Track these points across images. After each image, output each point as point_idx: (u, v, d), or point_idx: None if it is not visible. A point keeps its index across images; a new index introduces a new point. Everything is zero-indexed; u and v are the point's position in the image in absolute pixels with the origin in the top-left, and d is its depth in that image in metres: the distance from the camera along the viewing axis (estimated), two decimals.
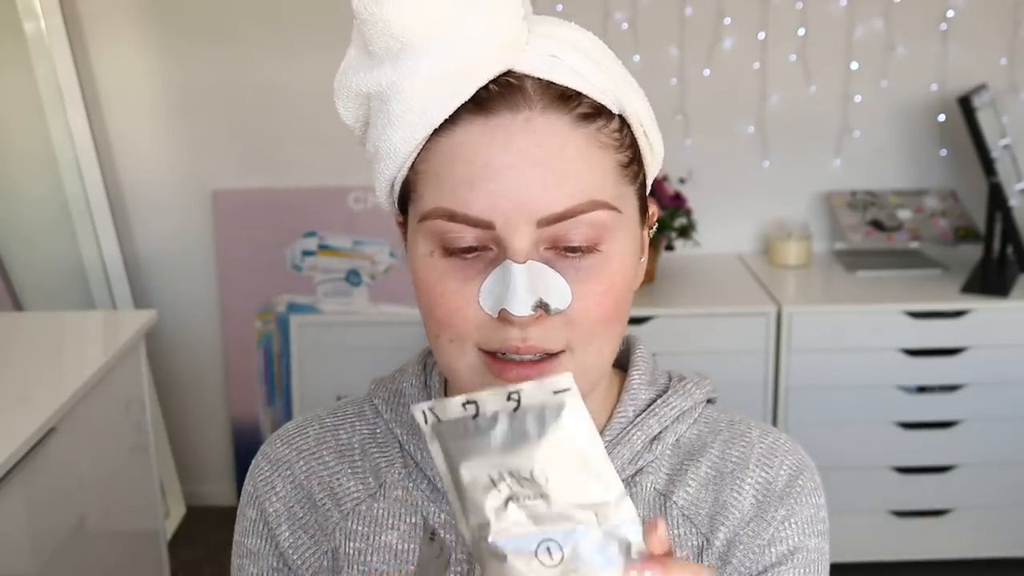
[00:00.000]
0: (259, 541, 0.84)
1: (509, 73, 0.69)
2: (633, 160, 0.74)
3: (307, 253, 2.96)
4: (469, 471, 0.55)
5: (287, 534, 0.83)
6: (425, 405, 0.56)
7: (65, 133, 2.80)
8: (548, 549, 0.55)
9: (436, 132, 0.70)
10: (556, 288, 0.69)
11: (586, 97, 0.70)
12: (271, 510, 0.84)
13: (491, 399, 0.55)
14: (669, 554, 0.55)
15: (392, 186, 0.75)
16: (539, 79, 0.70)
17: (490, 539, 0.55)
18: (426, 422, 0.57)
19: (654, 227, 0.81)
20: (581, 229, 0.69)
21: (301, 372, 2.97)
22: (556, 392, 0.55)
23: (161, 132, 2.95)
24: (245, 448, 3.06)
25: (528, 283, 0.68)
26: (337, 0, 2.88)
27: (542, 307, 0.69)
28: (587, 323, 0.71)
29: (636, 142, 0.74)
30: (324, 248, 2.96)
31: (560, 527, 0.55)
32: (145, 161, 2.96)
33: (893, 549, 2.70)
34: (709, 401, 0.87)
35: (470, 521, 0.56)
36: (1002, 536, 2.70)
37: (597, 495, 0.55)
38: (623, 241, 0.72)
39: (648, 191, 0.79)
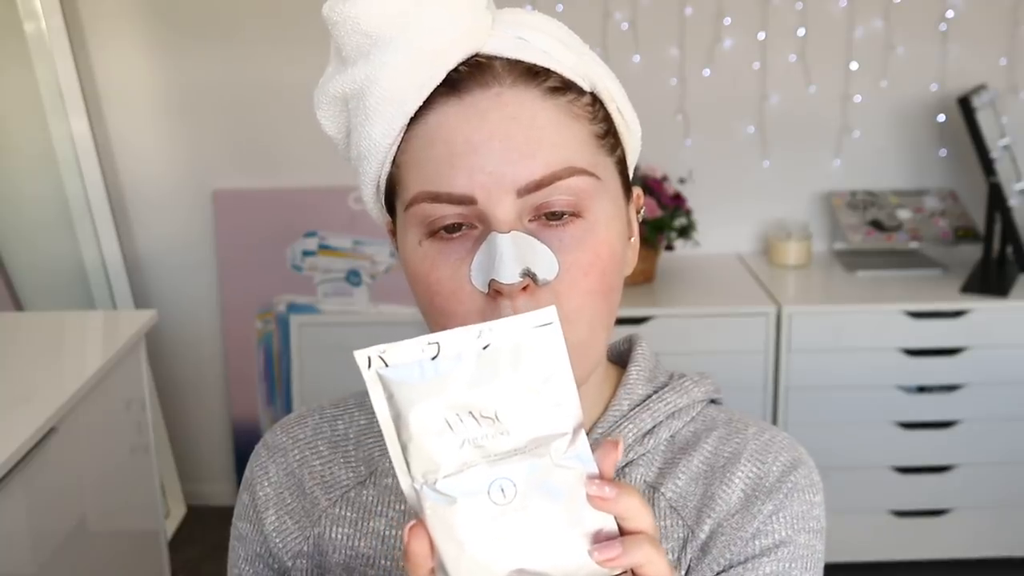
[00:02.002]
0: (248, 525, 0.86)
1: (478, 56, 0.72)
2: (609, 132, 0.75)
3: (307, 253, 2.96)
4: (419, 416, 0.54)
5: (273, 518, 0.84)
6: (374, 349, 0.55)
7: (65, 133, 2.81)
8: (501, 488, 0.54)
9: (413, 121, 0.72)
10: (542, 257, 0.70)
11: (554, 72, 0.72)
12: (261, 494, 0.85)
13: (457, 338, 0.54)
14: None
15: (378, 186, 0.77)
16: (507, 58, 0.72)
17: (438, 484, 0.54)
18: (369, 367, 0.55)
19: (642, 209, 0.82)
20: (561, 195, 0.70)
21: (301, 372, 2.97)
22: (537, 326, 0.54)
23: (161, 132, 2.95)
24: (245, 448, 3.06)
25: (514, 252, 0.69)
26: None
27: (529, 276, 0.69)
28: (576, 295, 0.71)
29: (610, 117, 0.76)
30: (324, 248, 2.96)
31: (514, 464, 0.54)
32: (145, 161, 2.96)
33: (893, 549, 2.70)
34: (714, 402, 0.87)
35: (413, 469, 0.55)
36: (1002, 536, 2.70)
37: (556, 426, 0.55)
38: (606, 211, 0.73)
39: (631, 173, 0.80)
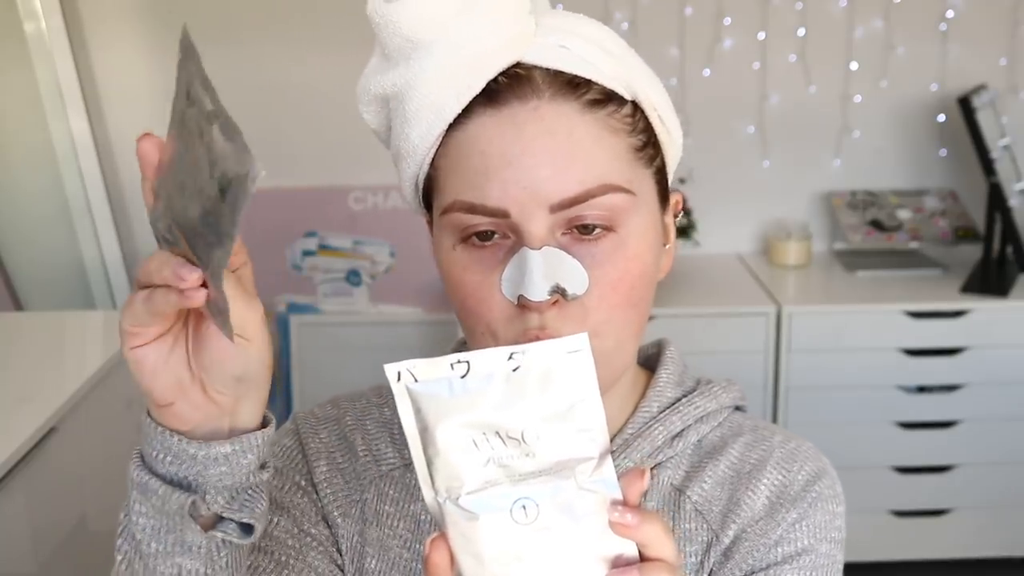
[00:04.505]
0: (289, 463, 0.86)
1: (518, 65, 0.71)
2: (648, 144, 0.75)
3: (307, 253, 2.96)
4: (445, 432, 0.55)
5: (324, 469, 0.85)
6: (403, 364, 0.56)
7: (65, 133, 2.81)
8: (524, 507, 0.54)
9: (452, 127, 0.72)
10: (572, 273, 0.70)
11: (595, 84, 0.72)
12: (312, 446, 0.86)
13: (487, 359, 0.55)
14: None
15: (416, 185, 0.77)
16: (547, 69, 0.71)
17: (461, 500, 0.55)
18: (399, 380, 0.56)
19: (679, 214, 0.82)
20: (595, 212, 0.70)
21: (301, 372, 2.97)
22: (569, 352, 0.55)
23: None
24: None
25: (544, 269, 0.69)
26: (338, 1, 2.89)
27: (559, 292, 0.70)
28: (604, 309, 0.71)
29: (651, 127, 0.75)
30: (324, 248, 2.96)
31: (538, 485, 0.55)
32: None
33: (893, 549, 2.70)
34: (739, 409, 0.88)
35: (437, 483, 0.56)
36: (1002, 536, 2.70)
37: (582, 451, 0.55)
38: (639, 225, 0.73)
39: (670, 179, 0.80)
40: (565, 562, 0.55)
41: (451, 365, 0.55)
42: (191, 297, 0.56)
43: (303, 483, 0.85)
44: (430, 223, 0.79)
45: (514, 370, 0.55)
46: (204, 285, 0.57)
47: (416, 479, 0.83)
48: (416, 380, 0.55)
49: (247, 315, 0.61)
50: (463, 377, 0.55)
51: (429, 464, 0.56)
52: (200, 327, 0.62)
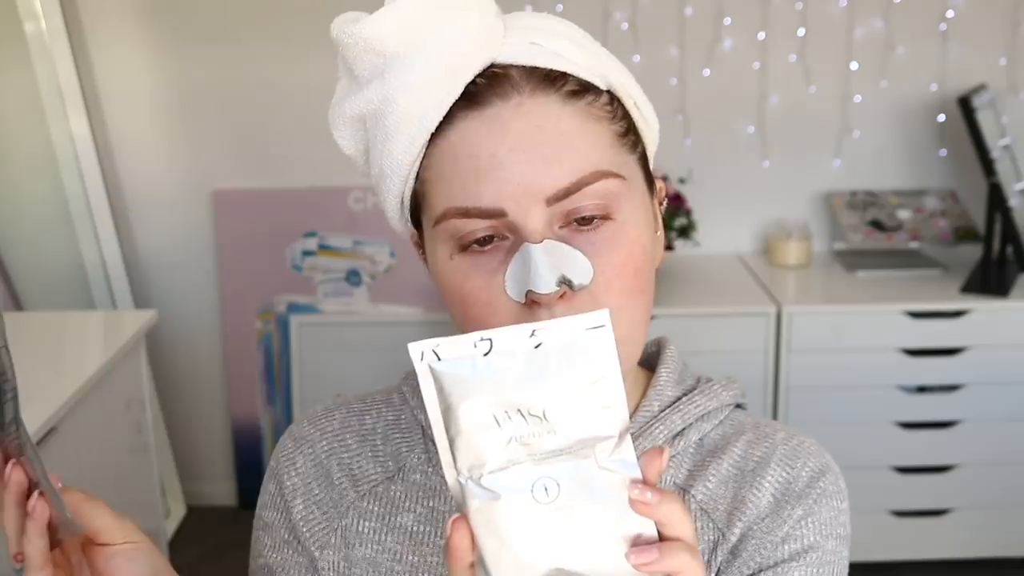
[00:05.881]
0: (275, 514, 0.86)
1: (493, 65, 0.71)
2: (629, 130, 0.75)
3: (307, 253, 2.96)
4: (468, 411, 0.55)
5: (300, 507, 0.84)
6: (427, 343, 0.56)
7: (65, 133, 2.81)
8: (545, 487, 0.55)
9: (435, 136, 0.72)
10: (576, 263, 0.70)
11: (571, 76, 0.72)
12: (288, 484, 0.86)
13: (509, 336, 0.55)
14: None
15: (402, 203, 0.77)
16: (523, 66, 0.71)
17: (484, 479, 0.55)
18: (422, 359, 0.56)
19: (664, 201, 0.82)
20: (590, 200, 0.70)
21: (301, 372, 2.97)
22: (590, 328, 0.55)
23: (161, 132, 2.95)
24: (245, 448, 3.07)
25: (548, 261, 0.69)
26: (337, 2, 2.89)
27: (566, 283, 0.69)
28: (613, 296, 0.71)
29: (629, 114, 0.76)
30: (324, 248, 2.96)
31: (559, 464, 0.55)
32: (145, 161, 2.96)
33: (893, 549, 2.70)
34: (739, 407, 0.87)
35: (459, 463, 0.56)
36: (1002, 536, 2.70)
37: (603, 429, 0.55)
38: (634, 209, 0.73)
39: (651, 166, 0.80)
40: (585, 541, 0.55)
41: (474, 343, 0.55)
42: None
43: (287, 537, 0.85)
44: (417, 243, 0.79)
45: (536, 347, 0.55)
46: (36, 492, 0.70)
47: (399, 490, 0.82)
48: (439, 359, 0.55)
49: (124, 524, 0.71)
50: (486, 355, 0.55)
51: (451, 444, 0.56)
52: (92, 557, 0.69)
